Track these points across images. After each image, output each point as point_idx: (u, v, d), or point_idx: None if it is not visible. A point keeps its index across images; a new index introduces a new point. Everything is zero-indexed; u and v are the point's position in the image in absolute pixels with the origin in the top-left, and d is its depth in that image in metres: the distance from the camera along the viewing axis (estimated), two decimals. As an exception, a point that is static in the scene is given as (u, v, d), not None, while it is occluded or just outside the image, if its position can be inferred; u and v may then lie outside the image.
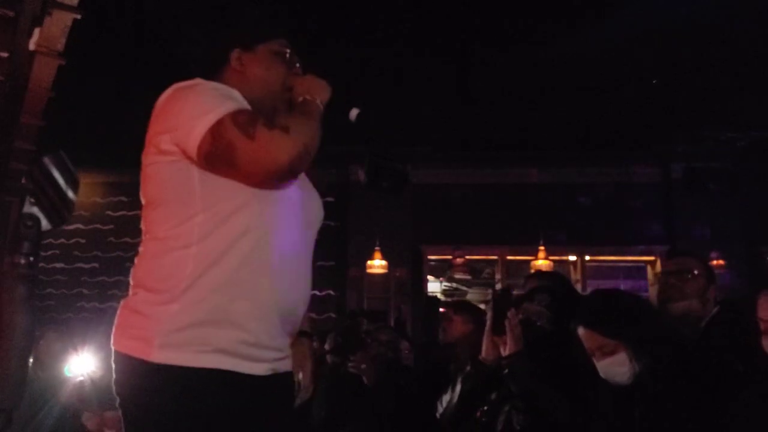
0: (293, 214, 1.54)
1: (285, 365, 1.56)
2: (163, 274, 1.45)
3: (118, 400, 1.45)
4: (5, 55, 3.36)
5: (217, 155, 1.41)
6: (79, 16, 3.02)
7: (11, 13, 3.11)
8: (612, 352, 1.90)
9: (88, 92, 5.62)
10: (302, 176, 1.66)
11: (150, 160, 1.51)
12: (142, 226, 1.55)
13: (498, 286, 7.85)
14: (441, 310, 6.70)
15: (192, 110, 1.44)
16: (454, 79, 6.84)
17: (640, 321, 1.95)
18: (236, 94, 1.53)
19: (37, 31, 3.17)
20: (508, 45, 6.02)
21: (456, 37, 6.13)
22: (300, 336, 1.71)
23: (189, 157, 1.44)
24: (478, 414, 2.67)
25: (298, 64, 1.68)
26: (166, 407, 1.38)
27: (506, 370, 2.36)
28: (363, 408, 3.62)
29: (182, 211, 1.46)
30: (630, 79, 6.49)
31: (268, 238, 1.47)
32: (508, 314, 2.37)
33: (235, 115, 1.42)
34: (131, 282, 1.51)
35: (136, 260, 1.53)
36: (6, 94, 3.62)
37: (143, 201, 1.55)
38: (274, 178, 1.45)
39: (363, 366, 3.69)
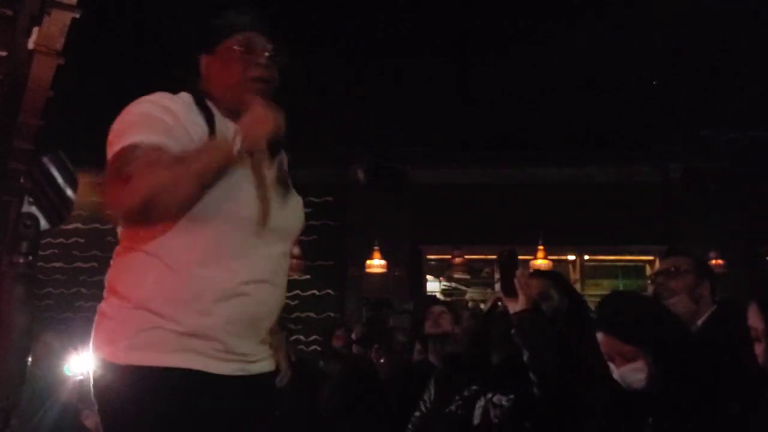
0: (260, 227, 1.53)
1: (258, 367, 1.56)
2: (128, 281, 1.49)
3: (95, 405, 1.49)
4: (4, 54, 3.35)
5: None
6: (78, 15, 3.02)
7: (10, 12, 3.11)
8: (633, 359, 1.89)
9: (87, 91, 5.61)
10: (275, 183, 1.64)
11: None
12: (117, 231, 1.59)
13: (497, 286, 7.84)
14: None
15: (115, 131, 1.51)
16: (453, 79, 6.84)
17: (661, 326, 1.94)
18: (169, 117, 1.50)
19: (36, 30, 3.17)
20: (508, 45, 6.03)
21: (456, 37, 6.13)
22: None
23: None
24: (454, 408, 2.68)
25: (267, 49, 1.63)
26: (134, 407, 1.41)
27: (514, 328, 2.36)
28: (371, 403, 3.63)
29: None
30: (630, 79, 6.49)
31: (233, 250, 1.48)
32: (517, 273, 2.37)
33: (125, 151, 1.43)
34: (105, 286, 1.55)
35: (110, 264, 1.56)
36: (5, 94, 3.61)
37: None
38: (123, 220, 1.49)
39: (382, 360, 3.69)
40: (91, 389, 1.49)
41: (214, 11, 1.70)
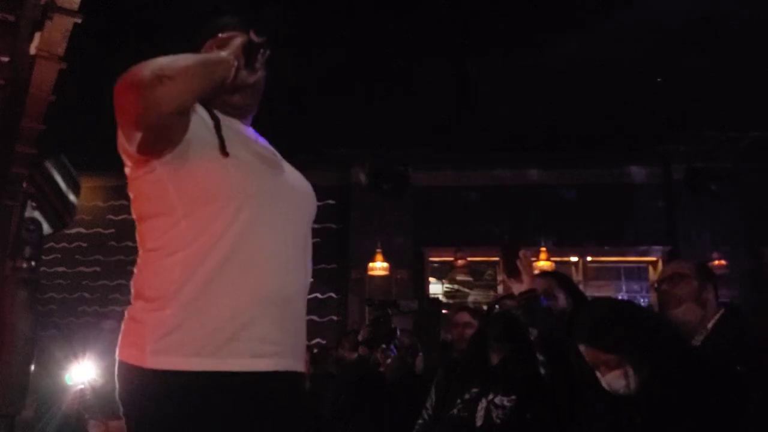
0: (277, 207, 1.55)
1: (286, 364, 1.53)
2: (154, 283, 1.48)
3: (121, 409, 1.47)
4: (6, 59, 3.35)
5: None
6: (79, 20, 3.02)
7: (12, 18, 3.10)
8: (616, 366, 1.89)
9: (89, 96, 5.62)
10: (287, 167, 1.68)
11: (131, 176, 1.55)
12: (137, 239, 1.58)
13: (500, 288, 7.84)
14: (444, 311, 6.68)
15: None
16: (455, 81, 6.84)
17: (640, 332, 1.93)
18: None
19: (37, 36, 3.17)
20: (508, 46, 6.03)
21: (457, 38, 6.14)
22: None
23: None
24: (456, 412, 2.68)
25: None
26: (160, 412, 1.40)
27: (521, 308, 2.36)
28: (377, 404, 3.63)
29: (165, 221, 1.49)
30: (631, 79, 6.48)
31: (252, 234, 1.48)
32: (520, 254, 2.38)
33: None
34: (131, 292, 1.55)
35: (134, 271, 1.56)
36: (7, 99, 3.61)
37: (134, 216, 1.58)
38: (139, 113, 1.39)
39: (388, 361, 3.69)
40: (117, 392, 1.48)
41: (204, 16, 1.71)
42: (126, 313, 1.53)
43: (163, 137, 1.44)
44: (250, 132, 1.69)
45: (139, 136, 1.42)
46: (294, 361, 1.57)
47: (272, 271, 1.50)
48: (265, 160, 1.60)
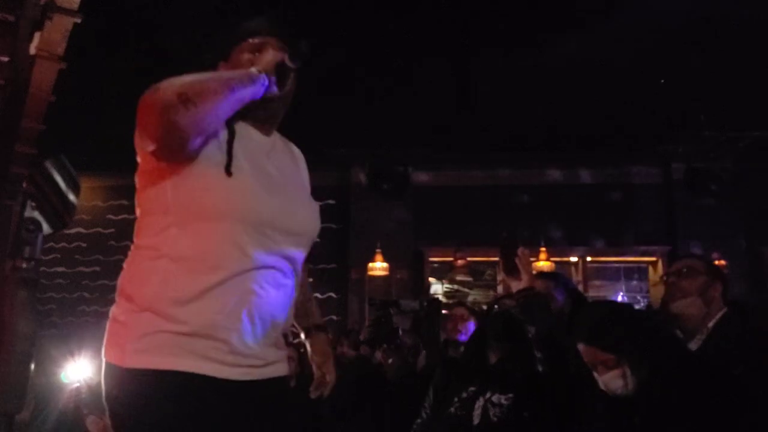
0: (270, 233, 1.52)
1: (267, 372, 1.54)
2: (135, 283, 1.49)
3: (106, 409, 1.48)
4: (6, 59, 3.36)
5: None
6: (79, 20, 3.02)
7: (12, 18, 3.11)
8: (615, 366, 1.90)
9: (89, 96, 5.62)
10: (293, 186, 1.65)
11: (140, 167, 1.55)
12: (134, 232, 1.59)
13: (500, 288, 7.85)
14: (444, 312, 6.68)
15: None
16: (454, 81, 6.85)
17: (640, 332, 1.94)
18: None
19: (37, 36, 3.17)
20: (509, 46, 6.03)
21: (457, 38, 6.14)
22: (317, 330, 1.80)
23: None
24: (453, 410, 2.68)
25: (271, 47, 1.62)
26: (140, 410, 1.41)
27: (519, 305, 2.36)
28: (379, 404, 3.63)
29: (158, 222, 1.49)
30: (631, 79, 6.49)
31: (240, 257, 1.47)
32: (518, 252, 2.38)
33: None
34: (117, 289, 1.55)
35: (123, 266, 1.56)
36: (7, 99, 3.61)
37: (136, 204, 1.59)
38: (160, 134, 1.39)
39: (390, 360, 3.68)
40: (102, 393, 1.49)
41: (230, 18, 1.69)
42: (110, 312, 1.53)
43: (180, 153, 1.45)
44: (267, 143, 1.65)
45: (155, 146, 1.43)
46: (273, 369, 1.56)
47: (258, 296, 1.49)
48: (270, 183, 1.57)
